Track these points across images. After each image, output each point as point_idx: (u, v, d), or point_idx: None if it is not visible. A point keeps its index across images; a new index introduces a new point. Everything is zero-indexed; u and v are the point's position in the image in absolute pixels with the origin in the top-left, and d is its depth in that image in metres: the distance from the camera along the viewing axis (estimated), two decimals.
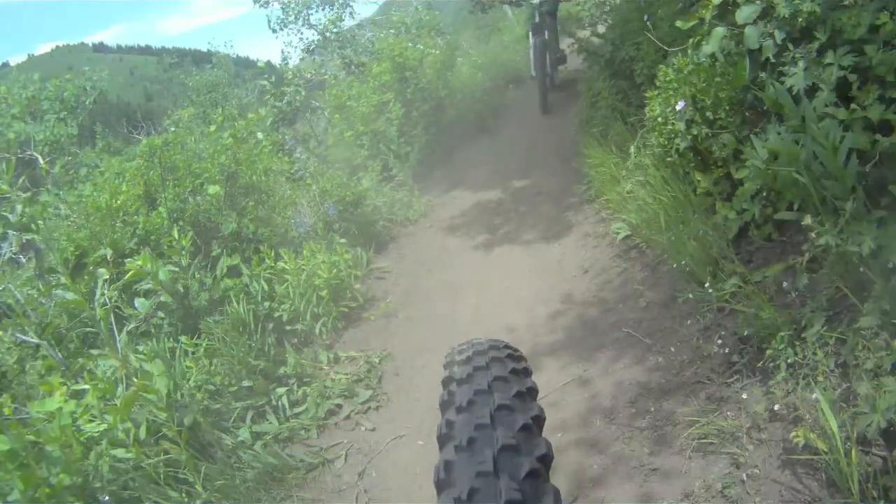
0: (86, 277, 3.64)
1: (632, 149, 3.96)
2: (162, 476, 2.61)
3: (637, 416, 2.65)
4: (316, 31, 7.89)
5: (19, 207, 3.13)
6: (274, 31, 7.76)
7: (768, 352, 2.44)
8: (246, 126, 4.44)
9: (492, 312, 3.88)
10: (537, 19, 6.79)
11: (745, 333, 2.61)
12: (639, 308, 3.32)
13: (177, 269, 3.50)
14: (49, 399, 2.71)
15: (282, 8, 7.91)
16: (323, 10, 7.92)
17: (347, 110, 6.10)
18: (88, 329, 3.37)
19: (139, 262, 3.32)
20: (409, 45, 7.21)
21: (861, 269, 2.27)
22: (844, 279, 2.40)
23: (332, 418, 3.14)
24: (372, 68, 6.58)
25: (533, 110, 7.14)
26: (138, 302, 3.43)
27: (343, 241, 4.42)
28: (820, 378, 2.26)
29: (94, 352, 3.22)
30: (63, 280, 3.22)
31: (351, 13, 8.07)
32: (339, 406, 3.20)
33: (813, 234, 2.41)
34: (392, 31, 7.93)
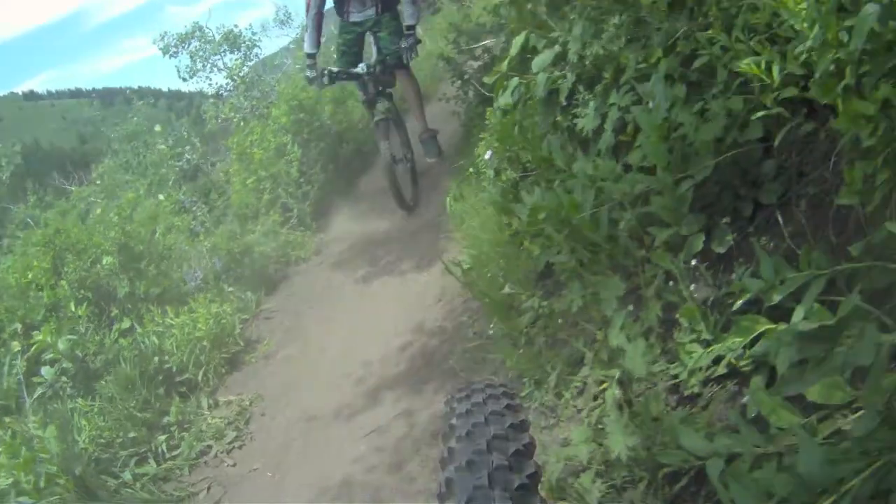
0: (2, 349, 4.34)
1: (448, 199, 4.55)
2: None
3: (434, 446, 3.05)
4: (224, 74, 8.48)
5: None
6: (184, 79, 8.34)
7: (523, 395, 2.71)
8: (127, 204, 5.13)
9: (356, 346, 4.37)
10: (370, 89, 5.42)
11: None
12: (466, 339, 3.72)
13: (76, 337, 4.22)
14: None
15: (189, 56, 8.47)
16: (232, 53, 8.48)
17: (248, 157, 6.70)
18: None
19: (41, 337, 4.06)
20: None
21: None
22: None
23: (202, 458, 3.86)
24: (272, 111, 7.18)
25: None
26: (44, 370, 4.15)
27: (231, 289, 5.12)
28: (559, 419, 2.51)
29: (7, 419, 3.94)
30: None
31: (257, 54, 8.63)
32: (210, 447, 3.91)
33: (525, 303, 2.94)
34: (298, 67, 8.49)
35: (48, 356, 4.18)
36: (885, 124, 1.33)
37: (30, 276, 4.70)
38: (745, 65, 1.69)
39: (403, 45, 5.45)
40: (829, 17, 1.33)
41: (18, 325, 4.40)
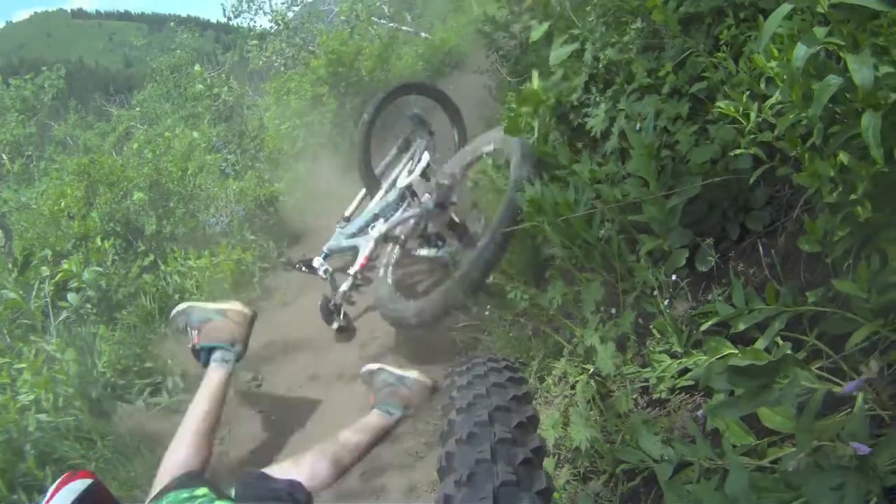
0: (32, 273, 4.57)
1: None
2: (72, 434, 3.58)
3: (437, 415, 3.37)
4: (269, 17, 8.51)
5: None
6: (229, 19, 8.41)
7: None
8: (164, 142, 5.28)
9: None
10: None
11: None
12: (469, 314, 3.46)
13: (101, 269, 4.43)
14: None
15: None
16: None
17: (284, 104, 6.81)
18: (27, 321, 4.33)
19: (67, 266, 4.29)
20: (356, 37, 7.81)
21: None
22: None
23: None
24: (311, 62, 7.25)
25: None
26: (70, 296, 4.38)
27: (254, 237, 5.28)
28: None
29: (32, 337, 4.17)
30: (10, 278, 4.20)
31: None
32: None
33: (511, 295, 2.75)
34: (343, 18, 8.51)
35: (74, 284, 4.40)
36: (842, 187, 1.39)
37: (62, 203, 4.90)
38: (724, 105, 1.73)
39: None
40: (793, 80, 1.38)
41: (49, 252, 4.63)
